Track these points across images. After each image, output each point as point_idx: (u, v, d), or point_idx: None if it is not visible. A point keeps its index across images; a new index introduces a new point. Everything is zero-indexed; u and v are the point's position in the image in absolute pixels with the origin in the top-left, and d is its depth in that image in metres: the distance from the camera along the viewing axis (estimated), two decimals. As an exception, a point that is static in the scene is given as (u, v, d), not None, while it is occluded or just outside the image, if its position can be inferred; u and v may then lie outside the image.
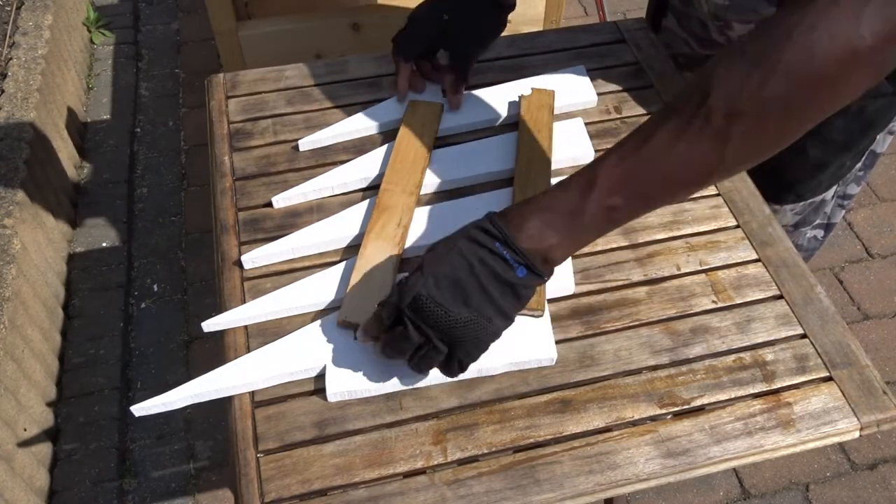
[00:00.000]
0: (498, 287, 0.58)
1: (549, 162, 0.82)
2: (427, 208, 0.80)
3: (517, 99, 0.90)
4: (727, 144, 0.52)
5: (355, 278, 0.71)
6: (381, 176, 0.82)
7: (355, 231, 0.77)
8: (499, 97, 0.91)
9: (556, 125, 0.88)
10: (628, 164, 0.55)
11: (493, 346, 0.67)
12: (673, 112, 0.54)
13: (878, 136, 0.88)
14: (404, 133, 0.85)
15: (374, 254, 0.73)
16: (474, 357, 0.60)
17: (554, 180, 0.82)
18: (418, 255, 0.75)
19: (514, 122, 0.89)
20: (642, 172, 0.55)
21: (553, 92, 0.90)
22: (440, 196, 0.82)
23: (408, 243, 0.76)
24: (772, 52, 0.50)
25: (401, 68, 0.89)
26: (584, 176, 0.57)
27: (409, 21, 0.87)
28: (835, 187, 0.93)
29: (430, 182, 0.82)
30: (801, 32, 0.49)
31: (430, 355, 0.59)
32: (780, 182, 0.84)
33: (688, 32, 0.97)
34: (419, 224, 0.78)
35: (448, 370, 0.61)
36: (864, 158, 0.91)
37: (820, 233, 1.02)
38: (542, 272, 0.58)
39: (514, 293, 0.58)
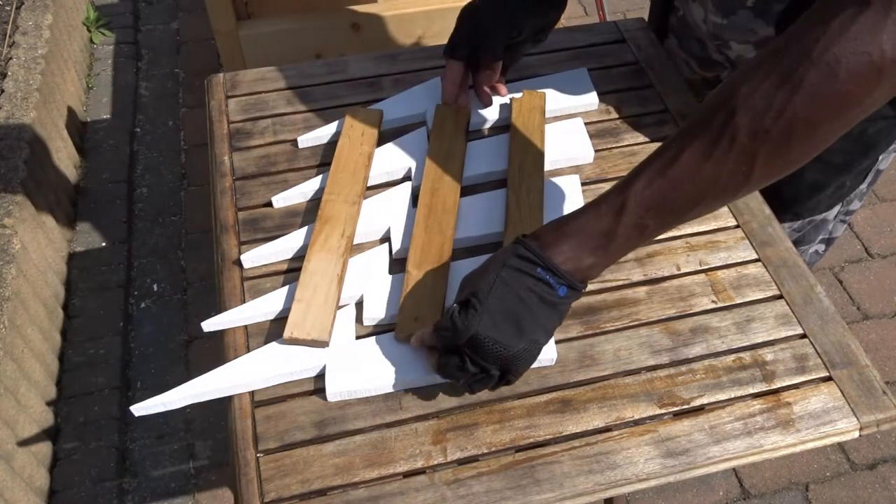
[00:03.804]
0: (544, 310, 0.60)
1: (541, 164, 0.82)
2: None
3: (508, 101, 0.90)
4: (754, 163, 0.54)
5: (300, 292, 0.70)
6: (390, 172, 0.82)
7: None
8: (494, 99, 0.91)
9: (556, 125, 0.88)
10: (657, 187, 0.57)
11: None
12: (697, 131, 0.55)
13: (880, 157, 0.88)
14: (344, 142, 0.84)
15: (319, 266, 0.72)
16: (521, 374, 0.62)
17: (550, 181, 0.82)
18: (404, 257, 0.76)
19: (506, 125, 0.89)
20: (671, 193, 0.57)
21: (544, 94, 0.90)
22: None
23: (398, 246, 0.76)
24: (794, 72, 0.51)
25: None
26: (614, 199, 0.59)
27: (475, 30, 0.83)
28: (837, 207, 0.92)
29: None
30: (823, 51, 0.50)
31: (484, 381, 0.61)
32: (776, 201, 0.83)
33: (688, 53, 0.97)
34: (409, 228, 0.77)
35: (494, 388, 0.63)
36: (868, 178, 0.90)
37: (821, 247, 1.01)
38: (579, 288, 0.61)
39: (556, 311, 0.61)
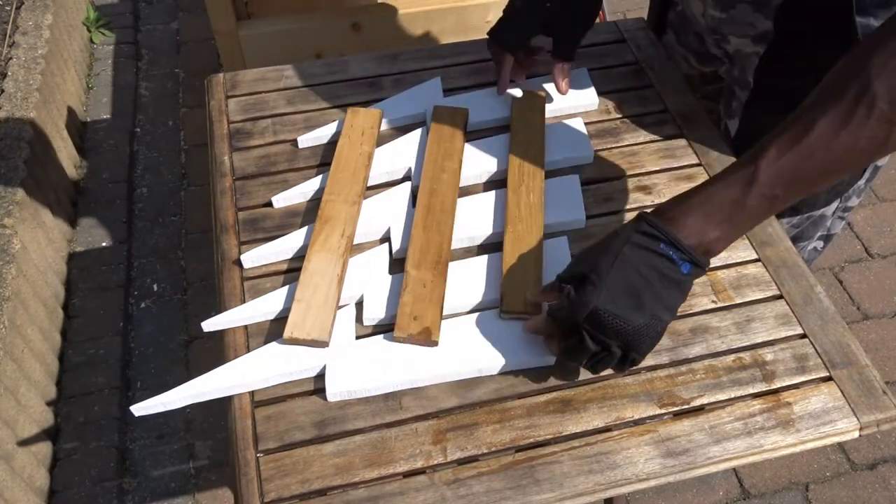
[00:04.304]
0: (666, 286, 0.59)
1: (541, 163, 0.82)
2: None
3: (508, 101, 0.90)
4: (892, 128, 0.55)
5: (300, 292, 0.70)
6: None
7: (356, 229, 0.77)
8: (493, 99, 0.91)
9: (556, 125, 0.88)
10: (790, 157, 0.57)
11: (494, 346, 0.68)
12: (830, 101, 0.56)
13: None
14: (344, 142, 0.84)
15: (319, 266, 0.72)
16: (646, 353, 0.61)
17: (550, 181, 0.82)
18: (404, 257, 0.75)
19: (506, 125, 0.89)
20: (804, 163, 0.57)
21: (544, 95, 0.90)
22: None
23: (398, 246, 0.76)
24: None
25: (504, 60, 0.88)
26: (743, 169, 0.59)
27: (509, 12, 0.87)
28: (836, 203, 0.92)
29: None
30: None
31: (606, 360, 0.61)
32: None
33: (686, 48, 0.97)
34: (409, 228, 0.77)
35: (621, 368, 0.62)
36: (866, 174, 0.90)
37: (820, 244, 1.01)
38: (703, 264, 0.60)
39: (679, 289, 0.60)
